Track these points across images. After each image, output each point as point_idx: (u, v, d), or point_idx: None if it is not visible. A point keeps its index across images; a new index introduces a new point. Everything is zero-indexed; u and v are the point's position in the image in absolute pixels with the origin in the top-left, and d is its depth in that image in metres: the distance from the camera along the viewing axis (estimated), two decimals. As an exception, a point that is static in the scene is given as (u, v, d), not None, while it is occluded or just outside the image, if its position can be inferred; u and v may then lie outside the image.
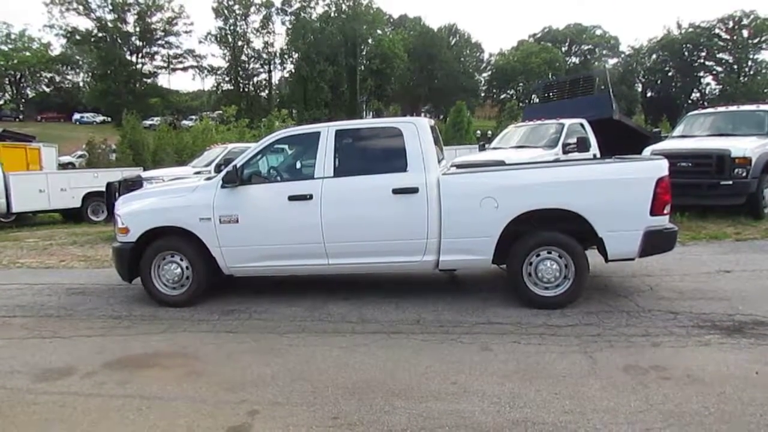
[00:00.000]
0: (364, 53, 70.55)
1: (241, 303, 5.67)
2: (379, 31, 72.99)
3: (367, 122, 5.57)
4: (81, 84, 73.47)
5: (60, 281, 7.19)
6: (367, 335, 4.61)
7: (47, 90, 71.17)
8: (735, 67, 73.35)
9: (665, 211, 4.89)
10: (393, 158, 5.26)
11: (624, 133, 12.12)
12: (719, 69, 74.95)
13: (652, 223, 4.85)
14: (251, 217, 5.38)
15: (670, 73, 77.49)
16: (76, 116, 62.90)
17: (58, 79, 71.84)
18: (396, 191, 5.09)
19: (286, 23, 68.95)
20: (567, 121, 10.89)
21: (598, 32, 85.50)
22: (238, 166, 5.40)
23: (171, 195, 5.78)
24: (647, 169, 4.91)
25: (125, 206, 5.84)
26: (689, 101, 76.79)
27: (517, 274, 5.04)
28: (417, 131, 5.23)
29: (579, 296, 5.09)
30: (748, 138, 9.52)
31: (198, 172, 11.55)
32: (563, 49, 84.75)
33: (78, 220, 15.42)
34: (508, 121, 54.21)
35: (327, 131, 5.39)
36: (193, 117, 54.73)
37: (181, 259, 5.59)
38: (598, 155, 10.88)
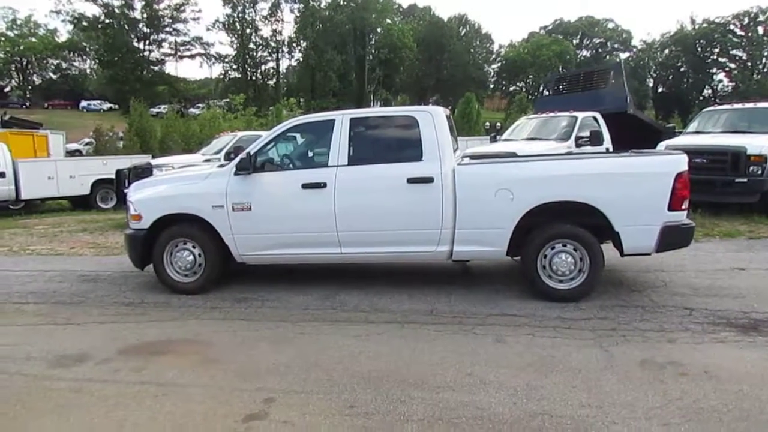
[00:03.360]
0: (372, 42, 70.21)
1: (253, 291, 5.67)
2: (388, 21, 72.56)
3: (383, 110, 5.53)
4: (88, 71, 73.61)
5: (71, 268, 7.21)
6: (381, 325, 4.60)
7: (54, 77, 71.13)
8: (748, 64, 72.43)
9: (683, 207, 4.84)
10: (408, 147, 5.23)
11: (637, 127, 12.01)
12: (732, 66, 74.03)
13: (670, 218, 4.80)
14: (264, 205, 5.36)
15: (682, 69, 76.67)
16: (83, 104, 62.96)
17: (64, 65, 71.78)
18: (411, 181, 5.06)
19: (295, 11, 68.61)
20: (580, 114, 10.80)
21: (611, 26, 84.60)
22: (251, 153, 5.37)
23: (184, 182, 5.77)
24: (666, 163, 4.86)
25: (137, 193, 5.84)
26: (701, 98, 76.13)
27: (531, 266, 5.02)
28: (433, 120, 5.18)
29: (593, 290, 5.06)
30: (764, 136, 9.41)
31: (208, 160, 11.56)
32: (574, 42, 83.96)
33: (87, 208, 15.45)
34: (517, 113, 53.92)
35: (342, 119, 5.35)
36: (201, 105, 54.65)
37: (194, 247, 5.58)
38: (611, 149, 10.80)
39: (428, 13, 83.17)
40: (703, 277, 5.75)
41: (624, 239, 4.86)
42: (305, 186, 5.24)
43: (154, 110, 45.31)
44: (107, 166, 15.36)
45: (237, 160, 5.42)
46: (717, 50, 73.18)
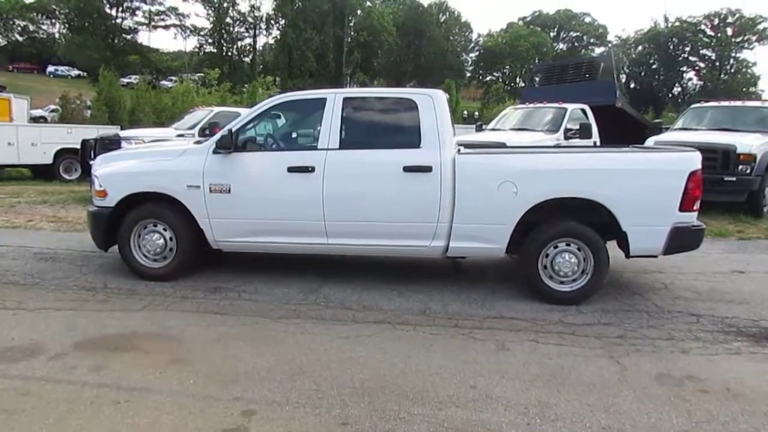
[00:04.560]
0: (352, 24, 69.02)
1: (229, 280, 5.20)
2: (368, 3, 71.39)
3: (379, 91, 5.09)
4: (57, 35, 70.20)
5: (27, 244, 6.61)
6: (371, 325, 4.21)
7: (20, 39, 67.86)
8: (717, 63, 73.94)
9: (695, 207, 4.57)
10: (405, 133, 4.82)
11: (623, 121, 11.82)
12: (702, 65, 75.48)
13: (681, 219, 4.52)
14: (245, 188, 4.90)
15: (654, 66, 77.79)
16: (51, 69, 60.27)
17: (32, 28, 68.40)
18: (407, 169, 4.65)
19: (274, -13, 66.83)
20: (569, 106, 10.54)
21: (587, 20, 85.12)
22: (232, 130, 4.88)
23: (156, 157, 5.24)
24: (679, 161, 4.56)
25: (104, 167, 5.29)
26: (670, 95, 77.52)
27: (532, 266, 4.68)
28: (433, 104, 4.78)
29: (596, 293, 4.77)
30: (753, 134, 9.31)
31: (181, 135, 10.94)
32: (552, 34, 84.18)
33: (49, 178, 14.58)
34: (494, 103, 53.85)
35: (334, 98, 4.90)
36: (173, 78, 52.86)
37: (165, 229, 5.08)
38: (598, 143, 10.59)
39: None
40: (702, 280, 5.53)
41: (631, 240, 4.57)
42: (291, 169, 4.79)
43: (125, 80, 43.63)
44: (72, 135, 14.49)
45: (217, 137, 4.92)
46: (688, 49, 74.47)
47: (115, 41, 62.75)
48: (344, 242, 4.89)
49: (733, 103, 10.62)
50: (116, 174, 5.14)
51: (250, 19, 69.28)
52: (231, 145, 4.83)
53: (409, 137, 4.76)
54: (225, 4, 67.72)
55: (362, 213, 4.78)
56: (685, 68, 76.88)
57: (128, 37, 66.16)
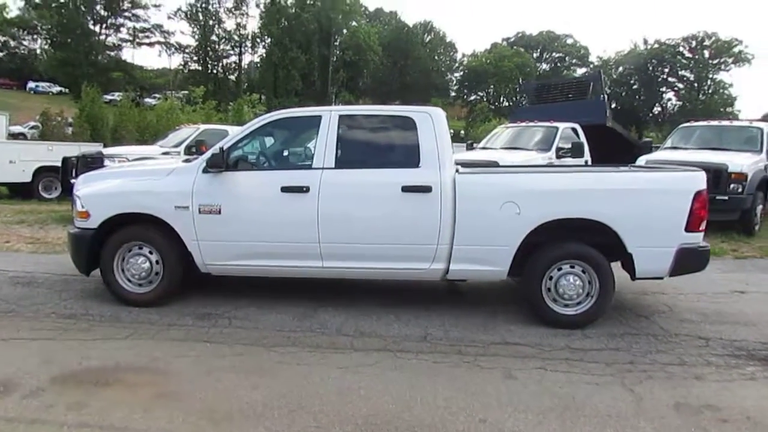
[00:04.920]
0: (337, 43, 69.42)
1: (219, 306, 4.95)
2: (354, 23, 71.94)
3: (376, 109, 4.93)
4: (38, 51, 69.48)
5: (2, 267, 6.28)
6: (370, 353, 4.00)
7: (0, 54, 67.06)
8: (695, 84, 75.57)
9: (701, 228, 4.45)
10: (404, 152, 4.67)
11: (613, 140, 11.83)
12: (680, 86, 77.08)
13: (687, 240, 4.41)
14: (236, 209, 4.69)
15: (634, 86, 79.20)
16: (31, 85, 59.36)
17: (12, 43, 67.53)
18: (406, 189, 4.49)
19: (261, 6, 67.02)
20: (561, 125, 10.50)
21: (570, 41, 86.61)
22: (224, 148, 4.68)
23: (142, 177, 5.02)
24: (685, 181, 4.46)
25: (87, 186, 5.05)
26: (651, 114, 78.87)
27: (535, 288, 4.52)
28: (432, 123, 4.64)
29: (601, 316, 4.61)
30: (743, 154, 9.34)
31: (166, 153, 10.69)
32: (535, 55, 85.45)
33: (27, 197, 14.15)
34: (479, 122, 54.21)
35: (329, 115, 4.73)
36: (157, 95, 52.45)
37: (151, 252, 4.84)
38: (590, 162, 10.56)
39: (394, 18, 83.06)
40: (705, 301, 5.42)
41: (637, 261, 4.43)
42: (285, 189, 4.60)
43: (108, 97, 43.04)
44: (53, 153, 14.09)
45: (207, 155, 4.72)
46: (667, 70, 76.03)
47: (98, 58, 62.21)
48: (340, 265, 4.69)
49: (721, 123, 10.68)
50: (99, 194, 4.90)
51: (236, 37, 69.37)
52: (222, 163, 4.63)
53: (408, 156, 4.60)
54: (210, 22, 67.75)
55: (359, 235, 4.60)
56: (664, 89, 78.39)
57: (112, 53, 65.70)
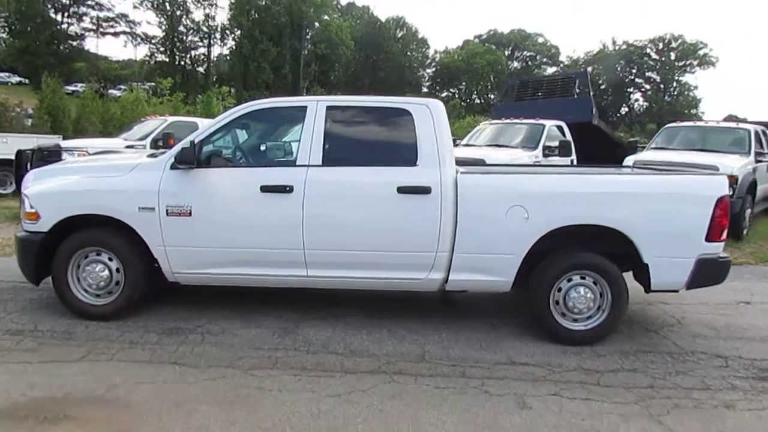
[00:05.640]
0: (309, 37, 68.37)
1: (189, 319, 4.40)
2: (326, 17, 70.94)
3: (369, 99, 4.42)
4: (-5, 39, 66.63)
5: (-58, 272, 5.60)
6: (363, 377, 3.52)
7: (-46, 43, 63.91)
8: (662, 86, 77.11)
9: (722, 237, 4.11)
10: (400, 148, 4.21)
11: (598, 139, 11.57)
12: (647, 87, 78.56)
13: (706, 250, 4.05)
14: (209, 210, 4.15)
15: (603, 86, 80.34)
16: (-12, 75, 56.93)
17: (-32, 32, 64.69)
18: (402, 190, 4.03)
19: (230, -3, 65.43)
20: (547, 123, 10.18)
21: (540, 40, 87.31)
22: (195, 142, 4.13)
23: (101, 173, 4.42)
24: (707, 185, 4.09)
25: (37, 183, 4.43)
26: (618, 115, 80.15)
27: (542, 301, 4.12)
28: (431, 116, 4.18)
29: (613, 332, 4.23)
30: (732, 156, 9.14)
31: (130, 146, 9.98)
32: (506, 52, 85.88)
33: (-22, 192, 13.20)
34: (453, 120, 54.08)
35: (316, 106, 4.23)
36: (123, 87, 50.71)
37: (110, 259, 4.27)
38: (575, 161, 10.26)
39: (367, 13, 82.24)
40: (713, 314, 5.11)
41: (653, 273, 4.06)
42: (265, 189, 4.08)
43: (70, 88, 41.29)
44: (8, 145, 13.10)
45: (176, 149, 4.17)
46: (635, 71, 77.38)
47: (60, 47, 59.80)
48: (327, 274, 4.20)
49: (708, 124, 10.51)
50: (51, 193, 4.29)
51: (205, 29, 67.59)
52: (193, 159, 4.08)
53: (404, 153, 4.14)
54: (178, 12, 65.84)
55: (349, 241, 4.12)
56: (632, 89, 79.79)
57: (74, 43, 63.23)
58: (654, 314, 5.01)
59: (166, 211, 4.12)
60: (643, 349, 4.15)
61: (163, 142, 9.43)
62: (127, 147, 10.00)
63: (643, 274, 4.15)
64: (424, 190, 4.02)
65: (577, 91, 11.91)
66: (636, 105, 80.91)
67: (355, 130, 4.39)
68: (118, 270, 4.28)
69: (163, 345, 3.93)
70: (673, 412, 3.23)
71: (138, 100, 29.67)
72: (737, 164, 8.71)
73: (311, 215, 4.07)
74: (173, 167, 4.15)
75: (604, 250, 4.14)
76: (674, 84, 76.70)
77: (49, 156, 8.76)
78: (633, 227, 3.99)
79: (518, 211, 3.98)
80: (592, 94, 11.62)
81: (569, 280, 4.12)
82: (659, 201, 4.04)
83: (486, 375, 3.62)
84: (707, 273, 4.11)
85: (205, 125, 4.43)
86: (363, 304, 4.91)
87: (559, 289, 4.13)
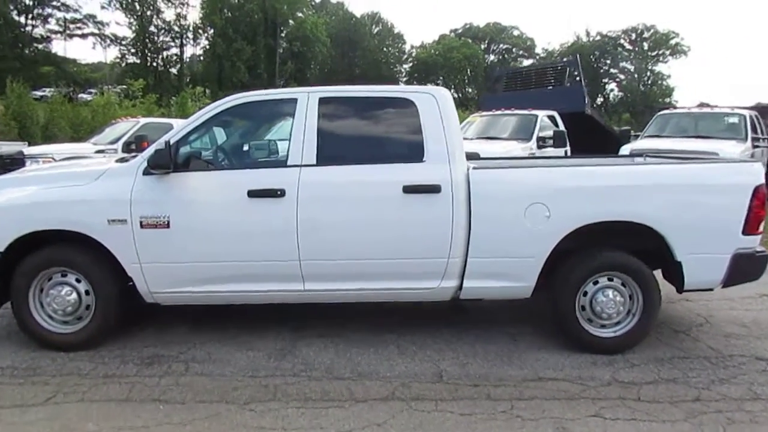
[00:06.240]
0: (284, 34, 67.44)
1: (171, 345, 3.90)
2: (300, 14, 70.06)
3: (366, 90, 3.93)
4: (-44, 44, 64.38)
5: None
6: (376, 404, 3.08)
7: None
8: (636, 76, 77.80)
9: (759, 230, 3.74)
10: (403, 143, 3.78)
11: (591, 129, 11.26)
12: (622, 77, 79.23)
13: (743, 244, 3.69)
14: (190, 220, 3.66)
15: (578, 78, 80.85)
16: (-50, 81, 54.93)
17: (-73, 37, 62.38)
18: (408, 189, 3.58)
19: (201, -5, 64.11)
20: (540, 113, 9.82)
21: (516, 33, 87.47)
22: (170, 143, 3.63)
23: (63, 182, 3.87)
24: (742, 174, 3.72)
25: (-9, 196, 3.89)
26: (594, 105, 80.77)
27: (567, 307, 3.71)
28: (437, 105, 3.74)
29: (645, 337, 3.85)
30: (730, 142, 8.91)
31: (101, 151, 9.38)
32: (483, 46, 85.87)
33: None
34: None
35: (307, 98, 3.76)
36: (93, 90, 49.37)
37: (78, 280, 3.74)
38: (569, 152, 9.94)
39: (341, 9, 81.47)
40: (738, 308, 4.80)
41: (687, 271, 3.68)
42: (253, 194, 3.61)
43: (38, 93, 39.99)
44: (-33, 154, 12.41)
45: (149, 152, 3.67)
46: (609, 62, 77.96)
47: (24, 51, 57.97)
48: (327, 287, 3.75)
49: (703, 110, 10.25)
50: (7, 206, 3.74)
51: (176, 28, 66.18)
52: (169, 162, 3.58)
53: (409, 149, 3.70)
54: (148, 12, 64.36)
55: (349, 249, 3.66)
56: (606, 80, 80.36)
57: (40, 46, 61.34)
58: (679, 313, 4.65)
59: (140, 222, 3.62)
60: (678, 355, 3.78)
61: (136, 145, 8.88)
62: (97, 152, 9.40)
63: (674, 273, 3.77)
64: (433, 189, 3.58)
65: (569, 80, 11.54)
66: (611, 95, 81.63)
67: (352, 124, 3.92)
68: (87, 292, 3.75)
69: (143, 377, 3.43)
70: (730, 429, 2.85)
71: (109, 104, 28.84)
72: (736, 150, 8.48)
73: (306, 221, 3.61)
74: (146, 172, 3.65)
75: (630, 248, 3.76)
76: (648, 73, 77.44)
77: (12, 164, 8.14)
78: (665, 222, 3.60)
79: (539, 210, 3.57)
80: (584, 82, 11.28)
81: (595, 283, 3.72)
82: (693, 192, 3.66)
83: (514, 395, 3.21)
84: (744, 269, 3.74)
85: (181, 124, 3.92)
86: (364, 316, 4.46)
87: (585, 293, 3.73)
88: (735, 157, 8.29)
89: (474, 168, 3.72)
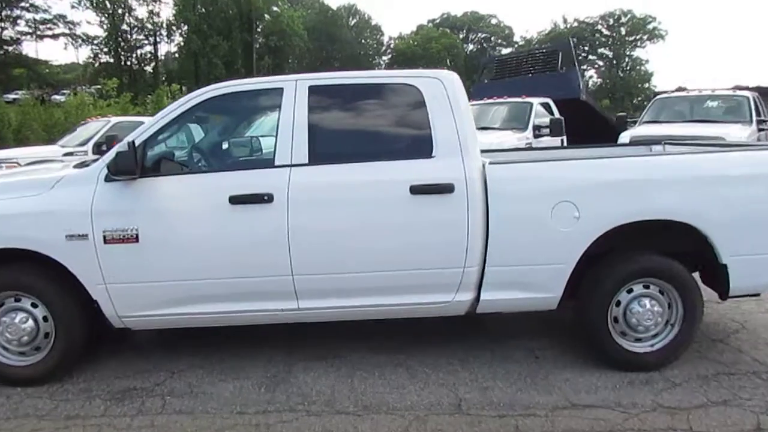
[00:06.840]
0: (260, 29, 66.35)
1: (146, 374, 3.38)
2: (275, 8, 68.97)
3: (362, 75, 3.40)
4: None
5: None
6: (390, 448, 2.61)
7: None
8: (614, 62, 78.11)
9: (809, 224, 3.33)
10: (408, 136, 3.30)
11: (585, 116, 10.84)
12: (600, 63, 79.52)
13: (793, 241, 3.27)
14: (162, 233, 3.14)
15: (572, 62, 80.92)
16: None
17: None
18: (416, 190, 3.10)
19: (174, -9, 62.67)
20: (534, 100, 9.38)
21: (494, 21, 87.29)
22: (136, 143, 3.10)
23: (12, 193, 3.30)
24: (790, 161, 3.31)
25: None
26: (588, 91, 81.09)
27: (598, 319, 3.27)
28: (446, 92, 3.26)
29: (685, 351, 3.42)
30: (735, 125, 8.56)
31: (69, 153, 8.75)
32: (461, 35, 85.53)
33: None
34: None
35: (294, 87, 3.25)
36: (66, 91, 48.00)
37: (34, 305, 3.21)
38: (565, 141, 9.52)
39: (317, 2, 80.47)
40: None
41: (733, 275, 3.25)
42: (236, 200, 3.10)
43: (11, 96, 38.76)
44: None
45: (109, 155, 3.13)
46: (587, 48, 78.15)
47: (-6, 54, 56.20)
48: (325, 305, 3.26)
49: (702, 93, 9.88)
50: (-55, 222, 3.19)
51: (150, 26, 64.68)
52: (134, 167, 3.05)
53: (415, 142, 3.23)
54: (120, 11, 62.77)
55: (350, 260, 3.18)
56: (585, 67, 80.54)
57: (10, 48, 59.52)
58: (710, 318, 4.22)
59: (104, 237, 3.09)
60: (723, 370, 3.35)
61: (107, 146, 8.25)
62: (66, 155, 8.76)
63: (717, 277, 3.34)
64: (445, 189, 3.11)
65: (563, 65, 11.10)
66: (590, 82, 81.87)
67: (348, 117, 3.41)
68: (45, 318, 3.22)
69: (112, 417, 2.92)
70: (808, 465, 2.43)
71: (83, 104, 27.98)
72: (743, 134, 8.13)
73: (299, 230, 3.11)
74: (108, 179, 3.12)
75: (665, 250, 3.32)
76: (626, 59, 77.75)
77: (-28, 170, 7.47)
78: (708, 219, 3.17)
79: (566, 208, 3.11)
80: (579, 67, 10.87)
81: (629, 291, 3.28)
82: (738, 184, 3.22)
83: (546, 428, 2.76)
84: (795, 269, 3.33)
85: (148, 122, 3.38)
86: (366, 334, 3.94)
87: (618, 303, 3.29)
88: (742, 140, 7.96)
89: (491, 163, 3.24)
